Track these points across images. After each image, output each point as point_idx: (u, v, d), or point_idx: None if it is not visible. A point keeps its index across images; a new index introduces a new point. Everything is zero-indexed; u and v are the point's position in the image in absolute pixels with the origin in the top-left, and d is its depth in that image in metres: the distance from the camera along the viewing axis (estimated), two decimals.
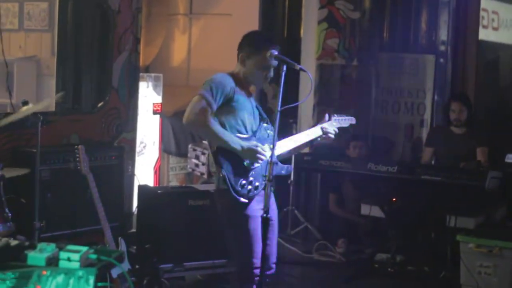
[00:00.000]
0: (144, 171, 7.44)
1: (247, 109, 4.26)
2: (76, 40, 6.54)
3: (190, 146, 7.30)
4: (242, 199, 4.12)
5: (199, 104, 4.06)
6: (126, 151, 6.63)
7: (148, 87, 7.46)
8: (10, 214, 4.73)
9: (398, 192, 6.36)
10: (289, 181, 7.42)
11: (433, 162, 6.91)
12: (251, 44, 4.30)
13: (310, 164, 6.55)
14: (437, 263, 6.28)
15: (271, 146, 4.00)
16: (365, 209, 6.61)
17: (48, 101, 5.91)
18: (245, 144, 4.12)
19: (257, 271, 4.06)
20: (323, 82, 7.97)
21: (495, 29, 8.49)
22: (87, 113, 6.65)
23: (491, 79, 8.48)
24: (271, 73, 4.31)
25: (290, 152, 4.43)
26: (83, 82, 6.60)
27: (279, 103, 3.92)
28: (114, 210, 5.84)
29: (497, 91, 8.47)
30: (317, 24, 7.95)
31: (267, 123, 4.37)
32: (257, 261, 4.07)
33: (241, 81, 4.28)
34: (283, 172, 4.32)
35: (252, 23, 8.14)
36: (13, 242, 2.89)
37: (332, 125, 4.50)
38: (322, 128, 4.44)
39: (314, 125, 4.57)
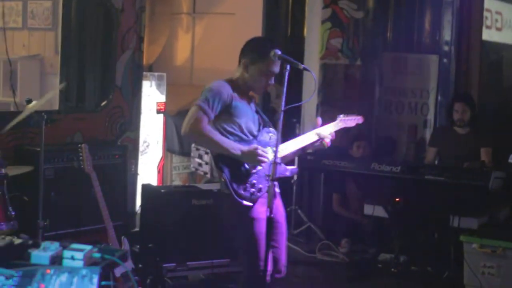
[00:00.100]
0: (148, 170, 7.44)
1: (247, 115, 4.25)
2: (79, 39, 6.54)
3: (193, 145, 7.30)
4: (245, 202, 4.11)
5: (196, 114, 4.07)
6: (130, 150, 6.63)
7: (151, 86, 7.47)
8: (13, 213, 4.73)
9: (402, 192, 6.35)
10: (292, 181, 7.42)
11: (436, 162, 6.91)
12: (255, 50, 4.26)
13: (313, 164, 6.55)
14: (440, 263, 6.27)
15: (274, 148, 4.00)
16: (368, 209, 6.60)
17: (52, 93, 5.90)
18: (245, 148, 4.11)
19: (264, 274, 4.05)
20: (327, 82, 7.96)
21: (498, 29, 8.50)
22: (90, 112, 6.64)
23: (495, 79, 8.48)
24: (273, 80, 4.30)
25: (294, 154, 4.42)
26: (87, 80, 6.60)
27: (283, 103, 3.90)
28: (117, 209, 5.84)
29: (500, 91, 8.47)
30: (321, 24, 7.94)
31: (268, 127, 4.36)
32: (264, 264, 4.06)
33: (240, 87, 4.26)
34: (287, 173, 4.31)
35: (256, 23, 8.14)
36: (17, 241, 2.89)
37: (328, 129, 4.41)
38: (317, 134, 4.37)
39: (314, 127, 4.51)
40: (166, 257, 5.60)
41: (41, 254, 2.76)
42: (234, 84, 4.24)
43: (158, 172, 7.62)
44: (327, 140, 4.35)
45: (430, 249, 6.52)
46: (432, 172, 6.01)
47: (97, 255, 2.83)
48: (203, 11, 9.29)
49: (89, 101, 6.67)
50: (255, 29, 7.91)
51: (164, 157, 7.76)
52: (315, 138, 4.36)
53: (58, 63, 6.53)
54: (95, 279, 2.63)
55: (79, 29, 6.55)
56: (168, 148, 8.02)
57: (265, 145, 4.22)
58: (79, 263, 2.73)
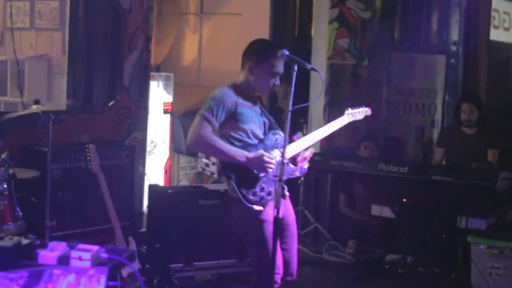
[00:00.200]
0: (155, 171, 7.45)
1: (253, 120, 4.24)
2: (87, 39, 6.55)
3: None
4: (256, 207, 4.11)
5: (200, 124, 4.09)
6: (137, 151, 6.63)
7: (158, 86, 7.47)
8: (21, 213, 4.75)
9: (409, 193, 6.33)
10: (299, 181, 7.41)
11: (444, 162, 6.89)
12: (259, 52, 4.25)
13: (320, 164, 6.53)
14: (448, 264, 6.26)
15: (281, 150, 3.99)
16: (375, 210, 6.60)
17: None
18: (251, 155, 4.12)
19: (276, 277, 4.05)
20: (334, 82, 7.95)
21: (506, 29, 8.46)
22: (98, 112, 6.66)
23: (502, 80, 8.45)
24: (278, 81, 4.29)
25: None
26: (94, 81, 6.62)
27: (291, 103, 3.89)
28: (124, 210, 5.85)
29: (508, 92, 8.44)
30: (328, 24, 7.93)
31: (274, 128, 4.36)
32: (276, 266, 4.05)
33: (244, 91, 4.25)
34: (297, 173, 4.32)
35: (263, 23, 8.14)
36: (24, 241, 2.89)
37: (334, 125, 4.46)
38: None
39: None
40: (173, 257, 5.60)
41: (48, 255, 2.76)
42: (238, 88, 4.24)
43: (165, 172, 7.62)
44: (302, 163, 4.36)
45: (437, 250, 6.51)
46: (439, 172, 6.00)
47: (105, 255, 2.83)
48: (210, 11, 9.30)
49: (97, 102, 6.69)
50: (263, 30, 7.91)
51: (171, 158, 7.76)
52: (325, 135, 4.40)
53: (65, 63, 6.56)
54: (103, 280, 2.63)
55: (87, 29, 6.56)
56: (175, 149, 8.02)
57: (272, 147, 4.23)
58: (87, 264, 2.73)
